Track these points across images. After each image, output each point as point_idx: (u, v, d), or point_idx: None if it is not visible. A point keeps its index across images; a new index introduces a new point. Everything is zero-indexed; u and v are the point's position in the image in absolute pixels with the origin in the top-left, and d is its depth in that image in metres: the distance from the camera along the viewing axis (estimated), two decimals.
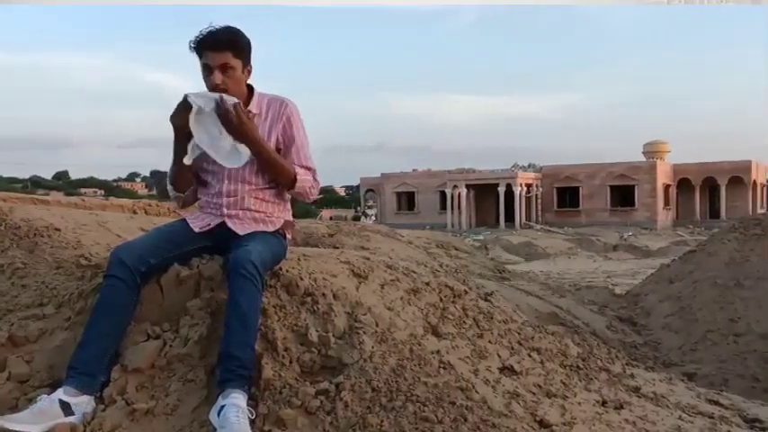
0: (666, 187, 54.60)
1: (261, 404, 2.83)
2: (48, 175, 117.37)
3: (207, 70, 3.24)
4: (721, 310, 7.52)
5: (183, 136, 3.25)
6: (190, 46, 3.24)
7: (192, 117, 3.17)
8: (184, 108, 3.19)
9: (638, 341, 7.38)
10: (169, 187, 3.43)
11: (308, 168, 3.40)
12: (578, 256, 25.82)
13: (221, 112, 3.14)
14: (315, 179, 3.43)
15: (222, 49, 3.22)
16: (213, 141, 3.18)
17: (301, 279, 3.30)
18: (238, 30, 3.30)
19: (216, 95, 3.16)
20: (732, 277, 8.02)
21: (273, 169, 3.33)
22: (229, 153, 3.20)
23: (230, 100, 3.15)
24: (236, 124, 3.15)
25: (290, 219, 3.53)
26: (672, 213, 55.36)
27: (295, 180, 3.33)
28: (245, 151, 3.20)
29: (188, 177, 3.38)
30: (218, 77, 3.21)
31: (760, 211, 44.46)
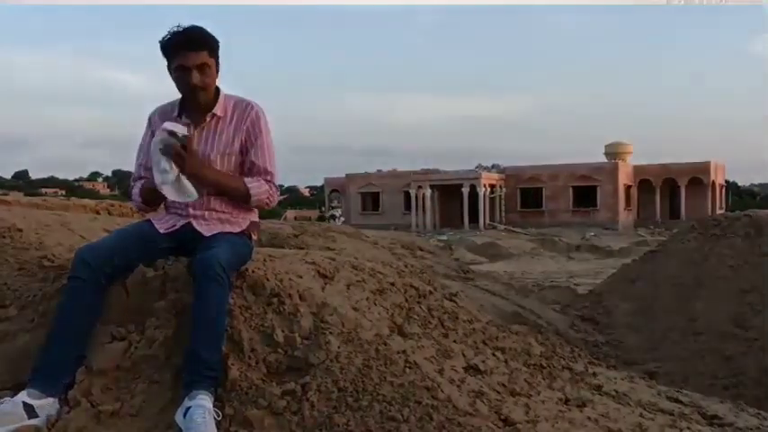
0: (627, 188, 55.31)
1: (227, 405, 2.83)
2: (6, 174, 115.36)
3: (182, 71, 3.17)
4: (681, 309, 7.65)
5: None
6: (161, 46, 3.19)
7: (153, 148, 3.13)
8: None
9: (600, 340, 7.49)
10: (138, 199, 3.39)
11: (266, 171, 3.36)
12: (541, 257, 26.08)
13: (168, 148, 3.08)
14: (271, 186, 3.37)
15: (199, 48, 3.17)
16: (164, 176, 3.12)
17: (267, 280, 3.30)
18: (206, 29, 3.26)
19: (174, 128, 3.10)
20: (692, 277, 8.15)
21: (225, 193, 3.31)
22: (177, 188, 3.15)
23: (180, 129, 3.10)
24: (175, 155, 3.08)
25: (256, 219, 3.52)
26: (633, 214, 56.08)
27: (249, 196, 3.31)
28: (189, 186, 3.16)
29: (161, 196, 3.30)
30: (196, 77, 3.16)
31: (719, 211, 45.24)
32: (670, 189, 56.21)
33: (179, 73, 3.20)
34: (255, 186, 3.31)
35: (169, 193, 3.15)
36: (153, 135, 3.32)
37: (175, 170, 3.10)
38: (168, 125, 3.11)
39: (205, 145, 3.31)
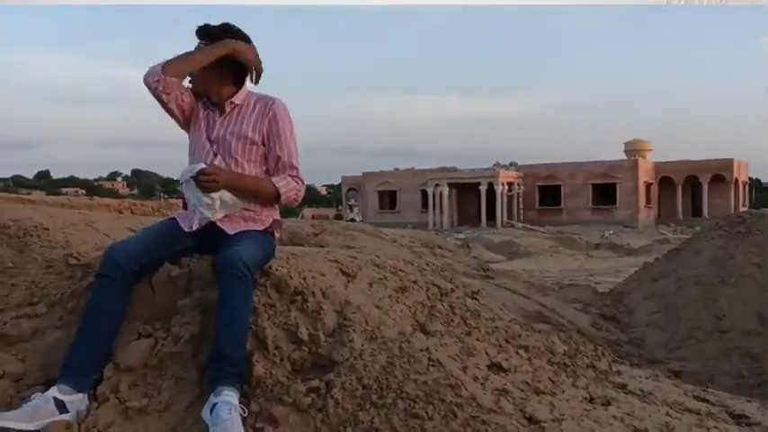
0: (648, 185, 54.88)
1: (252, 402, 2.85)
2: (29, 174, 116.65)
3: None
4: (706, 307, 7.56)
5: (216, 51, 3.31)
6: (196, 31, 3.34)
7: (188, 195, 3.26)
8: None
9: (622, 339, 7.42)
10: (159, 62, 3.32)
11: (292, 167, 3.42)
12: (560, 255, 25.90)
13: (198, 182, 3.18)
14: (298, 182, 3.44)
15: (216, 36, 3.32)
16: (211, 209, 3.22)
17: (291, 278, 3.31)
18: (243, 32, 3.40)
19: (192, 171, 3.18)
20: (716, 275, 8.06)
21: (255, 195, 3.36)
22: (225, 209, 3.26)
23: (197, 167, 3.18)
24: (210, 185, 3.15)
25: (279, 217, 3.55)
26: (654, 211, 55.65)
27: (279, 196, 3.37)
28: (231, 201, 3.25)
29: (187, 72, 3.34)
30: None
31: (742, 208, 44.79)
32: (692, 186, 55.72)
33: None
34: (284, 185, 3.37)
35: (221, 215, 3.26)
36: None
37: (216, 198, 3.19)
38: (187, 174, 3.19)
39: (226, 131, 3.39)
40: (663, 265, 9.43)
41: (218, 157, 3.36)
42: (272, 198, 3.39)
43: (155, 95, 3.33)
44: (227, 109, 3.41)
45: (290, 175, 3.41)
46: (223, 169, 3.25)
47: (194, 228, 3.25)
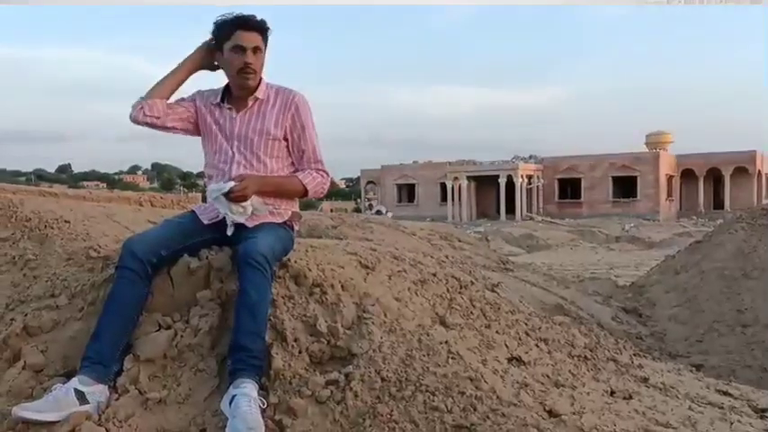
0: (669, 178, 54.45)
1: (271, 394, 2.85)
2: (50, 168, 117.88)
3: (239, 50, 3.27)
4: (728, 300, 7.48)
5: (191, 66, 3.41)
6: (218, 25, 3.31)
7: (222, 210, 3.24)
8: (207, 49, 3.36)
9: (643, 332, 7.36)
10: (139, 98, 3.38)
11: (316, 160, 3.43)
12: (580, 248, 25.79)
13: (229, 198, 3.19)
14: (323, 175, 3.45)
15: (256, 31, 3.29)
16: (244, 216, 3.23)
17: (309, 270, 3.31)
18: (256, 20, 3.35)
19: (221, 190, 3.18)
20: (739, 268, 7.98)
21: (284, 195, 3.39)
22: (257, 211, 3.27)
23: (227, 186, 3.18)
24: (241, 198, 3.17)
25: (298, 210, 3.54)
26: (675, 204, 55.22)
27: (306, 191, 3.40)
28: (260, 206, 3.26)
29: (166, 91, 3.39)
30: (251, 57, 3.27)
31: (765, 201, 44.24)
32: (714, 179, 55.24)
33: (234, 52, 3.28)
34: (310, 181, 3.40)
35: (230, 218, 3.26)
36: (193, 101, 3.46)
37: (247, 206, 3.20)
38: (215, 191, 3.19)
39: (247, 127, 3.37)
40: (685, 258, 9.35)
41: (240, 154, 3.35)
42: (299, 195, 3.43)
43: (146, 125, 3.38)
44: (249, 102, 3.38)
45: (315, 169, 3.43)
46: (250, 178, 3.24)
47: (229, 233, 3.25)
